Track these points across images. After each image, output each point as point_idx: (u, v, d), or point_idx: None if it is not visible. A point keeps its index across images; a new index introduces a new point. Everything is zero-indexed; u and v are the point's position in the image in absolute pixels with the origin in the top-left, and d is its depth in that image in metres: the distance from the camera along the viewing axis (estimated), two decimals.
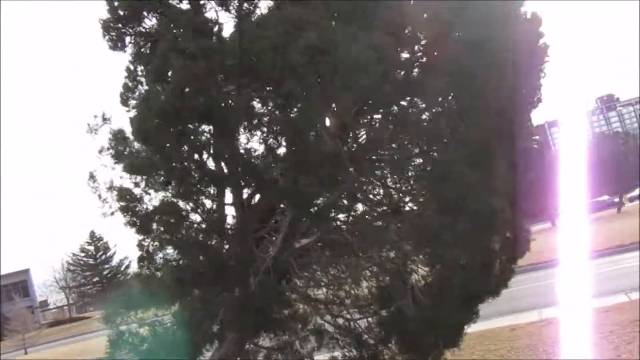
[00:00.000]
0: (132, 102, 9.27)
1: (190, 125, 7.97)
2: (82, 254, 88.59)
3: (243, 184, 8.14)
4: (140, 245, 9.00)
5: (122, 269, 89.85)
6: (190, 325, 8.14)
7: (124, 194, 9.09)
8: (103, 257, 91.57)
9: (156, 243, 8.72)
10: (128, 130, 9.11)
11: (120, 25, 8.56)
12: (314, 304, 9.42)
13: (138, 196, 8.89)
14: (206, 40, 7.74)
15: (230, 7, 8.07)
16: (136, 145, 8.74)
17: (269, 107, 8.25)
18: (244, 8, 8.07)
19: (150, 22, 8.57)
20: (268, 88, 7.96)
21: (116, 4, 8.55)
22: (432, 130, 8.02)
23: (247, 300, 8.01)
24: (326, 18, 7.40)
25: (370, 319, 9.04)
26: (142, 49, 8.71)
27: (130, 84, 9.40)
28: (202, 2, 8.31)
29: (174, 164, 8.07)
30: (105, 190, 9.30)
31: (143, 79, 9.18)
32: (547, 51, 8.99)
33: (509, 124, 8.38)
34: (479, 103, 7.75)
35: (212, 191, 8.25)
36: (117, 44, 8.72)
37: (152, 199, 8.94)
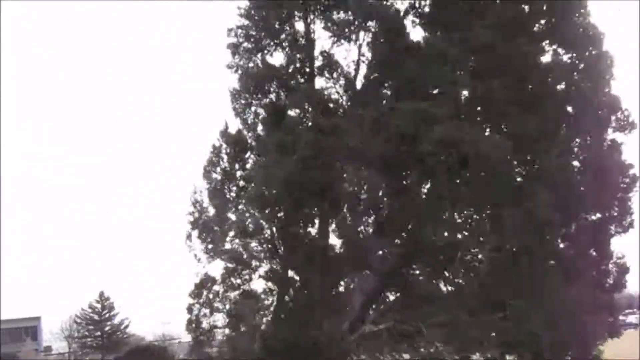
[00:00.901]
0: (214, 176, 10.24)
1: (306, 198, 7.84)
2: (90, 310, 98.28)
3: (352, 264, 8.00)
4: (234, 309, 9.44)
5: (121, 327, 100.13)
6: None
7: (234, 256, 9.50)
8: (107, 315, 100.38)
9: (247, 308, 8.88)
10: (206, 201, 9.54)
11: (247, 95, 8.89)
12: None
13: (246, 260, 9.07)
14: (335, 118, 7.84)
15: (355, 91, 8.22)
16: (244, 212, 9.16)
17: (384, 192, 8.25)
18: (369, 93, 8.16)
19: (273, 95, 8.79)
20: (386, 174, 7.97)
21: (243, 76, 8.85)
22: None
23: None
24: (454, 115, 7.43)
25: None
26: (265, 121, 8.98)
27: (214, 159, 10.29)
28: (326, 81, 8.57)
29: (287, 233, 8.00)
30: (202, 251, 9.84)
31: (226, 151, 9.98)
32: None
33: None
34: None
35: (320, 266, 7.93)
36: (242, 113, 9.15)
37: (259, 267, 9.00)
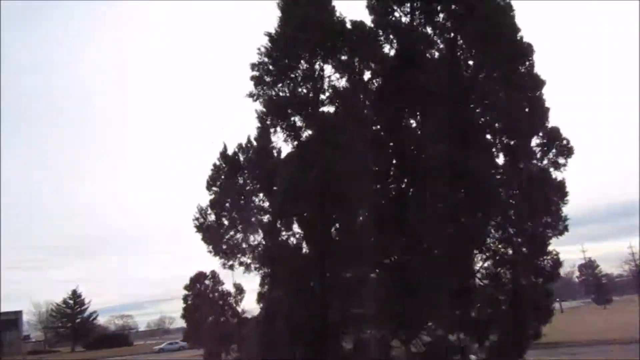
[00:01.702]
0: (214, 189, 10.82)
1: (324, 204, 7.49)
2: (64, 305, 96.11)
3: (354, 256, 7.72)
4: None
5: (90, 319, 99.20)
6: None
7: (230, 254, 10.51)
8: (78, 309, 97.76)
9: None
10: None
11: (270, 118, 8.63)
12: None
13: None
14: (345, 136, 7.63)
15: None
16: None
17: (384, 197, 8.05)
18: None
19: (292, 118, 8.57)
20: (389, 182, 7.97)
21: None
22: None
23: None
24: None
25: None
26: (288, 139, 8.62)
27: (214, 176, 10.68)
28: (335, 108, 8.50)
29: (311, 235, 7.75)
30: (207, 250, 10.48)
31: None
32: None
33: None
34: None
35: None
36: (267, 132, 8.94)
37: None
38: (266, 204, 9.97)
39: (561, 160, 9.10)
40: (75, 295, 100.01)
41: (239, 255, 10.55)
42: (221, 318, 11.34)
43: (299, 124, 8.37)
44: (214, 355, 11.06)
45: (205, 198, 10.51)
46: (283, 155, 9.72)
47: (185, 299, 11.18)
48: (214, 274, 11.17)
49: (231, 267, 10.40)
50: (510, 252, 8.81)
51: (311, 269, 7.79)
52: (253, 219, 10.50)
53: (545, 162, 9.19)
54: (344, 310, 7.34)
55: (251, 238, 10.50)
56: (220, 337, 11.10)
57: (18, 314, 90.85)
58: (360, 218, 7.84)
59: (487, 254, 8.76)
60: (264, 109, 8.40)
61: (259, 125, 8.61)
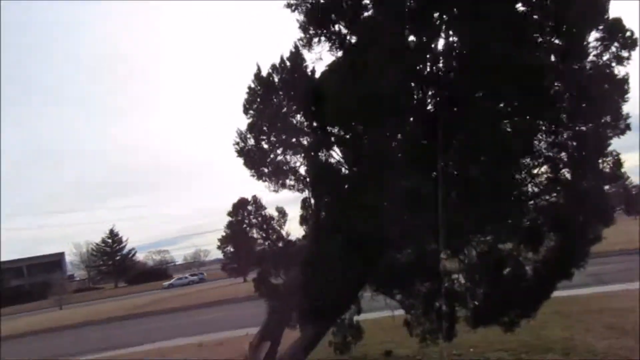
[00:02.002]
0: (251, 112, 10.43)
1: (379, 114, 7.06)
2: (103, 244, 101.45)
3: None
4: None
5: (129, 256, 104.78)
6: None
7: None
8: (117, 247, 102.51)
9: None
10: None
11: (312, 27, 8.09)
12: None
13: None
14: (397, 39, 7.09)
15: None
16: None
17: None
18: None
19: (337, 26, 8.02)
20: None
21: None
22: None
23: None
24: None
25: None
26: (333, 49, 8.14)
27: (250, 99, 10.24)
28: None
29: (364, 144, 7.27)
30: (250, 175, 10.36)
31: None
32: None
33: None
34: None
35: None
36: (309, 42, 8.36)
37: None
38: (305, 124, 9.68)
39: (624, 54, 8.26)
40: (112, 234, 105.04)
41: (280, 178, 10.46)
42: (266, 242, 11.35)
43: (343, 31, 7.75)
44: (261, 280, 11.13)
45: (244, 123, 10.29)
46: (318, 74, 9.31)
47: (229, 225, 11.20)
48: (255, 200, 11.13)
49: (276, 191, 10.36)
50: (566, 155, 8.29)
51: (362, 184, 7.37)
52: (293, 140, 10.31)
53: (605, 57, 8.34)
54: (400, 223, 7.12)
55: (292, 160, 10.38)
56: (267, 261, 11.14)
57: (60, 255, 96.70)
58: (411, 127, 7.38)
59: (540, 160, 8.18)
60: (305, 19, 7.82)
61: (301, 35, 8.05)
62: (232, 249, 60.05)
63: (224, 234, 60.99)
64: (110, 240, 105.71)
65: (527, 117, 8.00)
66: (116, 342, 22.91)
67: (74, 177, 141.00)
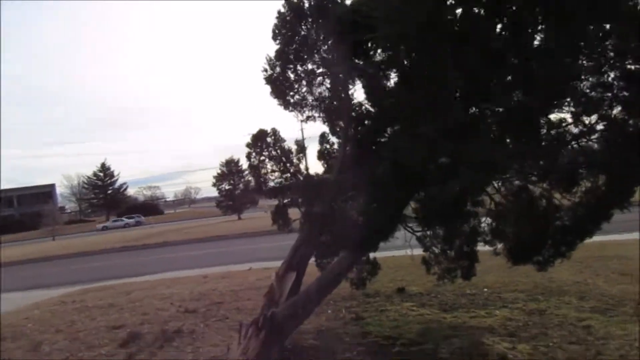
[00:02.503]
0: (279, 39, 9.97)
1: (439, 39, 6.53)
2: (94, 177, 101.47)
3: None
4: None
5: (120, 190, 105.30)
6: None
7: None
8: (108, 181, 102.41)
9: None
10: None
11: None
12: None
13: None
14: None
15: None
16: None
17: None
18: None
19: None
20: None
21: None
22: None
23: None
24: None
25: None
26: None
27: (279, 24, 9.87)
28: None
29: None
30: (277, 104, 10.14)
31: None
32: None
33: None
34: None
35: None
36: None
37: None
38: (335, 54, 9.53)
39: None
40: (104, 168, 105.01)
41: (305, 110, 10.16)
42: (284, 175, 11.13)
43: None
44: (279, 212, 10.98)
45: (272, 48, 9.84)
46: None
47: (248, 156, 10.88)
48: (274, 131, 10.77)
49: (304, 121, 10.06)
50: (610, 95, 7.49)
51: (415, 113, 6.88)
52: (320, 70, 9.95)
53: None
54: (446, 155, 6.87)
55: (317, 91, 10.03)
56: (284, 193, 10.96)
57: (51, 187, 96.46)
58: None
59: (584, 99, 7.41)
60: None
61: None
62: (227, 187, 60.30)
63: (219, 171, 61.17)
64: (101, 174, 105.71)
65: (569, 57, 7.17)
66: (119, 272, 23.08)
67: (69, 111, 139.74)
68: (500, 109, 7.34)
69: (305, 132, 74.50)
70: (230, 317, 11.34)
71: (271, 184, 11.45)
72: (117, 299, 15.08)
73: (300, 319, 8.25)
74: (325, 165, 11.06)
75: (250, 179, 67.42)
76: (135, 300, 14.62)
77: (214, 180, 60.33)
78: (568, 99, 8.04)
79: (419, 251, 9.80)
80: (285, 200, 11.29)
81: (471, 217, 8.16)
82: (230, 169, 60.91)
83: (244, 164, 59.81)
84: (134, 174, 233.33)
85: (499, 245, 8.16)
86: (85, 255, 36.14)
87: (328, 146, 10.96)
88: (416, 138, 6.63)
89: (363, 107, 9.49)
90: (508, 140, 7.49)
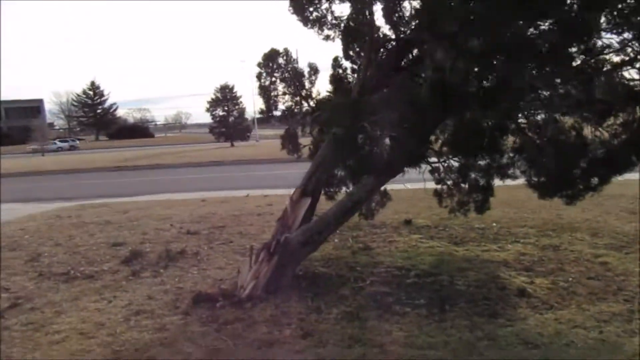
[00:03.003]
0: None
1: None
2: (84, 95, 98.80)
3: None
4: None
5: (110, 110, 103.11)
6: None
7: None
8: (98, 100, 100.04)
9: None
10: None
11: None
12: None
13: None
14: None
15: None
16: None
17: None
18: None
19: None
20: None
21: None
22: None
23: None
24: None
25: None
26: None
27: None
28: None
29: None
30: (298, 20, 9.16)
31: None
32: None
33: None
34: None
35: None
36: None
37: None
38: None
39: None
40: (94, 86, 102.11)
41: (324, 28, 9.50)
42: (295, 98, 10.59)
43: None
44: (289, 137, 10.53)
45: None
46: None
47: (258, 76, 10.26)
48: (287, 52, 10.11)
49: (327, 38, 9.38)
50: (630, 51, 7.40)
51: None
52: None
53: None
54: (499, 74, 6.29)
55: (338, 9, 9.34)
56: (296, 117, 10.47)
57: (39, 101, 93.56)
58: None
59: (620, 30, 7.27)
60: None
61: None
62: (220, 112, 59.15)
63: (213, 96, 59.74)
64: (91, 92, 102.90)
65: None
66: (113, 191, 22.72)
67: (59, 23, 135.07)
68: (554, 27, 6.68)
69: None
70: (235, 241, 11.16)
71: (281, 106, 10.98)
72: (115, 217, 14.84)
73: (315, 245, 7.90)
74: (337, 91, 10.59)
75: (244, 106, 65.66)
76: (133, 219, 14.39)
77: (207, 106, 59.10)
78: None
79: (420, 185, 9.71)
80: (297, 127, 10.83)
81: (504, 148, 7.83)
82: (224, 94, 59.49)
83: (238, 90, 58.62)
84: (124, 94, 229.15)
85: (524, 179, 7.85)
86: (78, 172, 35.70)
87: (341, 71, 10.55)
88: (461, 54, 5.94)
89: (382, 30, 8.95)
90: (547, 69, 6.47)
